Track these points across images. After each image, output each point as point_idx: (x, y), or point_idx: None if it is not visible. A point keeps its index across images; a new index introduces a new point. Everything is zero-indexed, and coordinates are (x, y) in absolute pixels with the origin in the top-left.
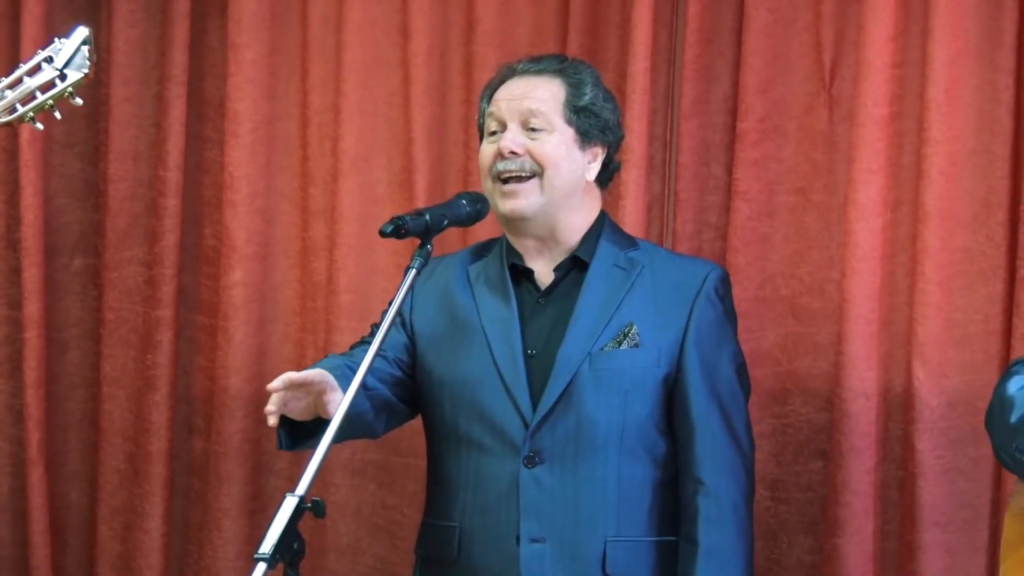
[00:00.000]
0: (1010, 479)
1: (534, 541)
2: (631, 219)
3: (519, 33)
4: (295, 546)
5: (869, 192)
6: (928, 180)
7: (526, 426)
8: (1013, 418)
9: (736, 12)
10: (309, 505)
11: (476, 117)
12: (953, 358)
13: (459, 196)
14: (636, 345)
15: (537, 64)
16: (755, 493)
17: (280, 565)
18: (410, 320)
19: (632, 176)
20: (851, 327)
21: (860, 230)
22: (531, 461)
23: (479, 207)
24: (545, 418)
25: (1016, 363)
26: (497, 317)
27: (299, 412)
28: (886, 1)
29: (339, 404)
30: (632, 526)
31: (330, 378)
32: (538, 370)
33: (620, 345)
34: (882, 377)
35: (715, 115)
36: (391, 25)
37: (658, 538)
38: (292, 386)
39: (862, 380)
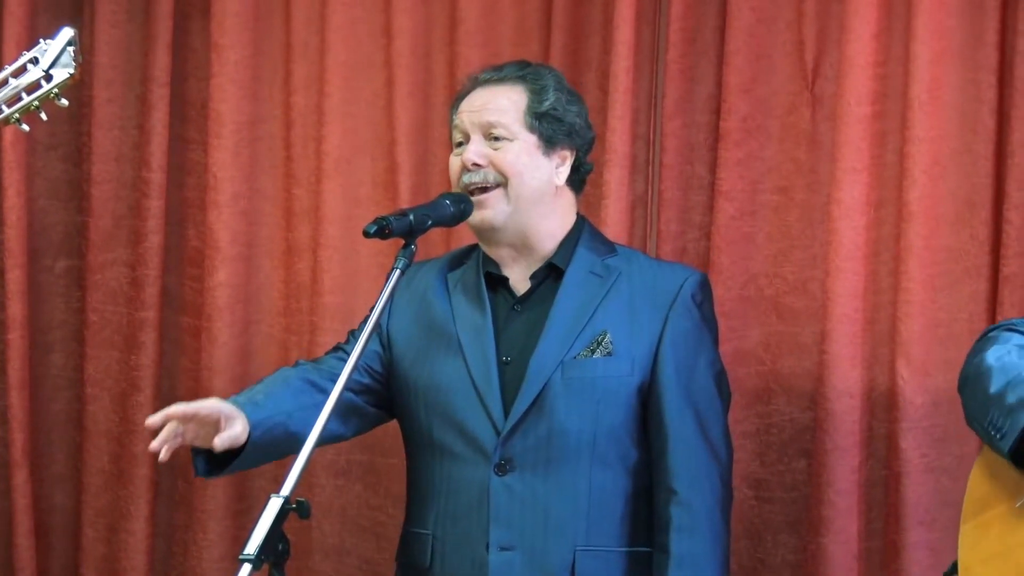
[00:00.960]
0: None
1: (503, 549)
2: (614, 219)
3: (502, 33)
4: (280, 547)
5: (852, 191)
6: (911, 179)
7: (497, 434)
8: (992, 388)
9: (719, 11)
10: (294, 506)
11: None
12: (937, 357)
13: (443, 196)
14: (609, 354)
15: (498, 73)
16: (732, 501)
17: (265, 566)
18: (387, 327)
19: (615, 176)
20: (835, 326)
21: (843, 229)
22: (502, 469)
23: (463, 207)
24: (516, 426)
25: (994, 329)
26: (472, 325)
27: (204, 440)
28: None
29: (234, 436)
30: (603, 535)
31: (225, 408)
32: (512, 377)
33: (593, 353)
34: (866, 376)
35: (698, 114)
36: (374, 26)
37: (630, 548)
38: (176, 419)
39: (846, 379)
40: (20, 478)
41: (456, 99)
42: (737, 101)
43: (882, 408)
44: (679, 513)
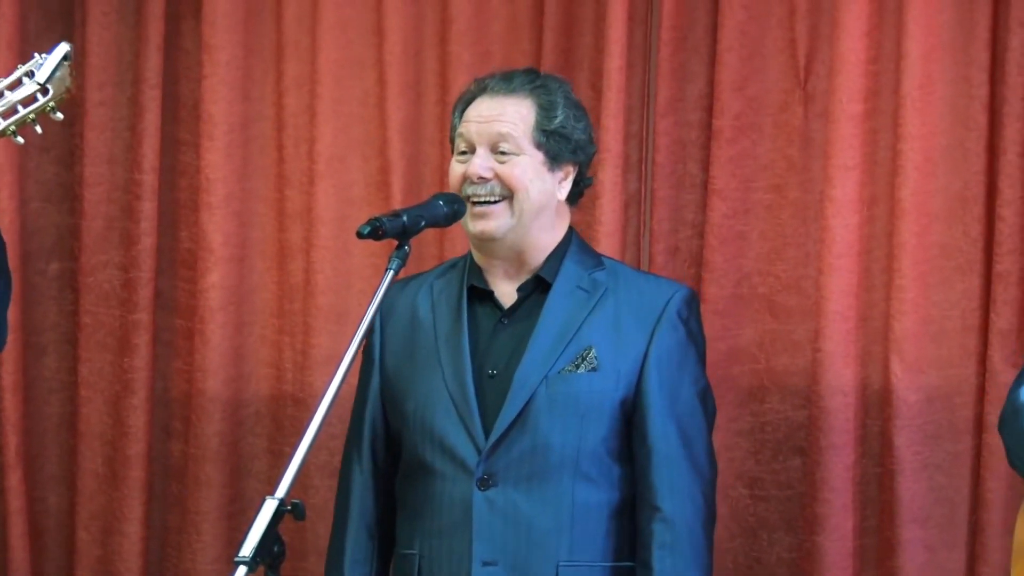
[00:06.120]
0: (991, 474)
1: (486, 564)
2: (608, 218)
3: (494, 32)
4: (276, 549)
5: (845, 188)
6: (904, 176)
7: (478, 449)
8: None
9: (710, 9)
10: (289, 508)
11: (451, 119)
12: (930, 354)
13: (436, 197)
14: (594, 369)
15: (508, 83)
16: (715, 518)
17: (260, 568)
18: (379, 360)
19: (608, 175)
20: (828, 324)
21: (836, 226)
22: (484, 483)
23: (456, 207)
24: (500, 440)
25: None
26: (451, 340)
27: None
28: None
29: None
30: (586, 550)
31: None
32: (497, 391)
33: (578, 368)
34: (860, 373)
35: (690, 113)
36: (365, 25)
37: (613, 563)
38: None
39: (839, 377)
40: (14, 480)
41: (460, 101)
42: (729, 99)
43: (876, 405)
44: (662, 530)
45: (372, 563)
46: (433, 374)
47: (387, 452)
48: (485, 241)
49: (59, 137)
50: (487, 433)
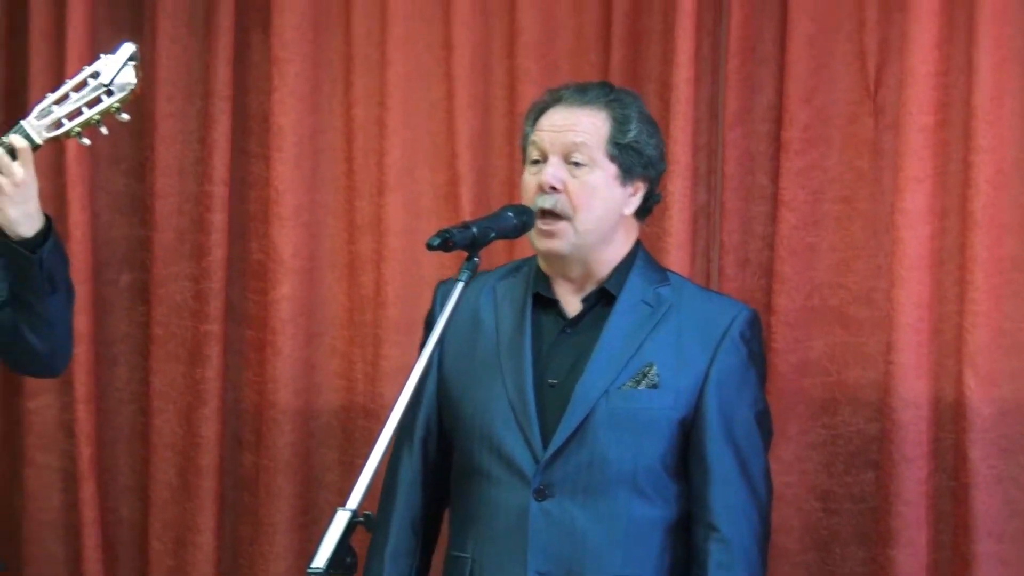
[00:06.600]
0: None
1: (540, 574)
2: (677, 229)
3: (561, 44)
4: (348, 560)
5: (916, 200)
6: (975, 188)
7: (536, 459)
8: None
9: (779, 21)
10: (361, 519)
11: (521, 129)
12: (1004, 367)
13: (505, 208)
14: (655, 386)
15: (583, 95)
16: (770, 539)
17: None
18: (438, 358)
19: (678, 186)
20: (900, 336)
21: (907, 239)
22: (541, 494)
23: (525, 219)
24: (558, 452)
25: None
26: (513, 347)
27: None
28: (930, 8)
29: None
30: (640, 566)
31: None
32: (556, 401)
33: (638, 385)
34: (932, 386)
35: (759, 124)
36: (434, 38)
37: None
38: None
39: (912, 390)
40: (87, 491)
41: (532, 110)
42: (798, 111)
43: (949, 419)
44: (718, 550)
45: (414, 557)
46: (493, 379)
47: (438, 451)
48: (552, 258)
49: (129, 149)
50: (545, 443)
